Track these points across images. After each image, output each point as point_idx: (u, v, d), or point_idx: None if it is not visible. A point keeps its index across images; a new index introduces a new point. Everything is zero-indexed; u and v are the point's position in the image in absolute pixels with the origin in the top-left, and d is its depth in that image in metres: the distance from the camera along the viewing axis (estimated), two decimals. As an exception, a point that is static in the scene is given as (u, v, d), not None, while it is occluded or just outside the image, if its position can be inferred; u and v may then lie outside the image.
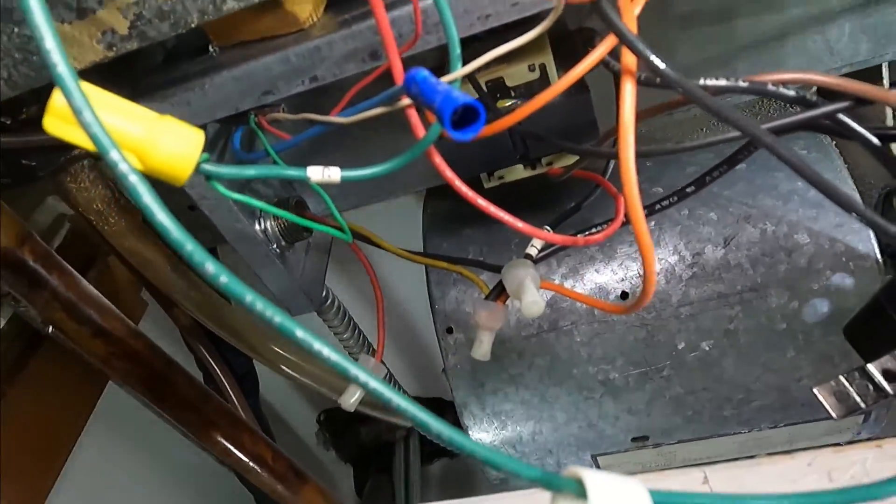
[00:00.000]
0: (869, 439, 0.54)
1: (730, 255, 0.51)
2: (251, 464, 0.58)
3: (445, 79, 0.23)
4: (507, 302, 0.39)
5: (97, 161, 0.51)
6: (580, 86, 0.39)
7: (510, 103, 0.39)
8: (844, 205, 0.21)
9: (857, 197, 0.51)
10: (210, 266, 0.14)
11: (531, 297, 0.33)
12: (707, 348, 0.52)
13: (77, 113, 0.16)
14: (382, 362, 0.48)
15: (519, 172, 0.45)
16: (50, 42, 0.16)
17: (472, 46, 0.32)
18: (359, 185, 0.51)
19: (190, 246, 0.14)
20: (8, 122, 0.38)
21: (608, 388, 0.54)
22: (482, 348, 0.39)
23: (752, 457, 0.56)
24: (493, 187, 0.46)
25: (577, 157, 0.41)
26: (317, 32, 0.33)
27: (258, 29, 0.34)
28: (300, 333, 0.15)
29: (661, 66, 0.18)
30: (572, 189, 0.52)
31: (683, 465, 0.59)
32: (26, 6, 0.16)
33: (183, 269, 0.53)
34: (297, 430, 1.26)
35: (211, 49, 0.36)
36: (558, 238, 0.30)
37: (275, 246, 0.46)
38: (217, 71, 0.34)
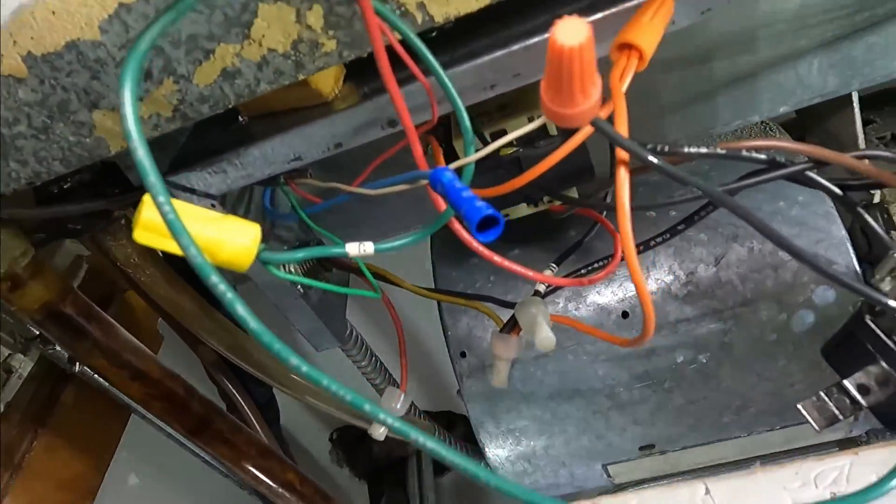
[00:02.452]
0: (857, 438, 0.58)
1: (721, 273, 0.55)
2: (281, 490, 0.62)
3: (461, 162, 0.26)
4: (521, 333, 0.43)
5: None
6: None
7: (512, 151, 0.43)
8: (794, 254, 0.25)
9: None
10: (294, 360, 0.18)
11: (544, 333, 0.36)
12: (704, 360, 0.56)
13: (175, 236, 0.19)
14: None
15: (523, 210, 0.48)
16: (153, 177, 0.19)
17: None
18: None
19: (277, 346, 0.18)
20: (55, 191, 0.42)
21: (614, 401, 0.58)
22: (500, 377, 0.42)
23: (746, 461, 0.60)
24: (499, 224, 0.50)
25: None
26: (339, 105, 0.36)
27: (286, 102, 0.37)
28: (369, 407, 0.18)
29: (650, 158, 0.22)
30: (573, 222, 0.56)
31: (688, 469, 0.62)
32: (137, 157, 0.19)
33: (210, 312, 0.57)
34: (311, 449, 1.29)
35: (241, 118, 0.40)
36: (566, 281, 0.34)
37: (299, 287, 0.49)
38: (251, 141, 0.37)
